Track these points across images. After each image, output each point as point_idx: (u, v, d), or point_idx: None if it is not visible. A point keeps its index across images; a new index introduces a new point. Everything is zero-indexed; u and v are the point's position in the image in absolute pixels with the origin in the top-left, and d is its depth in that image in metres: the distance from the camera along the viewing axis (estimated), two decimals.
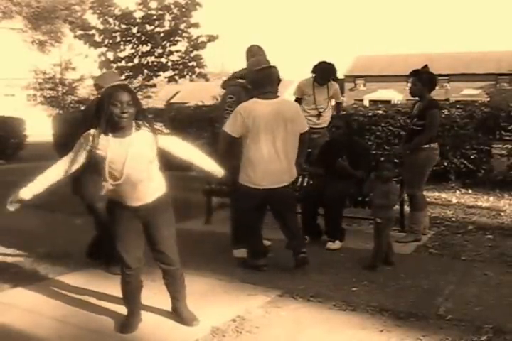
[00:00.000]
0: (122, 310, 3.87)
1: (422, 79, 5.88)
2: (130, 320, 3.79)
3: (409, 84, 6.08)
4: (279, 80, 5.14)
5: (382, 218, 5.07)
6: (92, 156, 3.46)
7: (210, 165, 3.79)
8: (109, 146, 3.39)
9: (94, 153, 3.43)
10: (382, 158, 6.34)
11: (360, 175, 5.79)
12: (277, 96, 5.04)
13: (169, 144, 3.59)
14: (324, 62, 7.25)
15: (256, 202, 4.99)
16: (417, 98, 6.01)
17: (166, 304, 4.12)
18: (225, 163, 4.14)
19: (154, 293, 4.13)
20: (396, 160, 6.23)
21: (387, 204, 5.09)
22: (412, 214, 6.07)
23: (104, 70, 15.78)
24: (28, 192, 3.59)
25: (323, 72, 7.22)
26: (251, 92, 5.31)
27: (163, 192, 3.70)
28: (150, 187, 3.59)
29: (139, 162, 3.44)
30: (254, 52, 5.98)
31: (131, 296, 3.81)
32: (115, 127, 3.40)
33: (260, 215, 5.17)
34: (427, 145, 5.78)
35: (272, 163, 4.89)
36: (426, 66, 6.08)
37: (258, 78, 5.02)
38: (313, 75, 7.28)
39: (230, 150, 4.98)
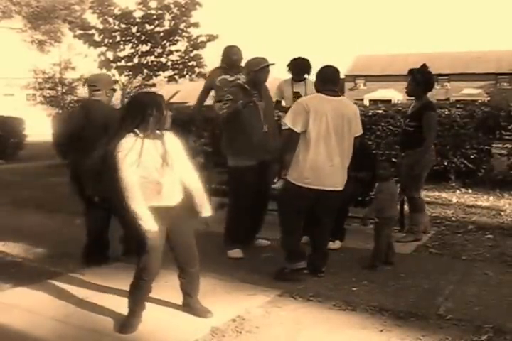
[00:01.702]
0: (122, 310, 3.87)
1: (416, 78, 5.80)
2: (131, 320, 3.79)
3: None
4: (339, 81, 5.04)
5: (382, 217, 5.07)
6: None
7: (201, 201, 3.88)
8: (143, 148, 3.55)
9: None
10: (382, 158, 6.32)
11: (364, 176, 5.75)
12: (339, 95, 4.80)
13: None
14: (299, 58, 6.92)
15: (304, 202, 4.70)
16: (413, 98, 5.99)
17: (166, 304, 4.14)
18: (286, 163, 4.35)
19: (154, 293, 4.14)
20: (394, 160, 6.19)
21: (386, 203, 5.09)
22: (411, 216, 6.05)
23: (104, 70, 15.78)
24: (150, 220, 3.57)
25: (297, 68, 6.89)
26: (249, 93, 5.30)
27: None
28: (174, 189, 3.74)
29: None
30: (229, 53, 6.10)
31: (138, 299, 3.84)
32: (155, 130, 3.62)
33: (303, 217, 4.85)
34: (422, 148, 5.70)
35: (328, 162, 4.60)
36: (424, 65, 5.95)
37: (322, 75, 4.82)
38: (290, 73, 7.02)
39: (291, 148, 4.69)
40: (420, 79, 5.78)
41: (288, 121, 4.60)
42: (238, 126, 5.32)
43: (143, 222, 3.50)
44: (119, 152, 3.49)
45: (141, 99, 3.74)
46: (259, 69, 5.32)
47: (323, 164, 4.57)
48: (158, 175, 3.59)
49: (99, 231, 5.22)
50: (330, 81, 4.78)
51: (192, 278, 3.97)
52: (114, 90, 5.48)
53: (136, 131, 3.56)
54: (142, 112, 3.57)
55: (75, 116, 5.03)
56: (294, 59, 6.91)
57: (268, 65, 5.36)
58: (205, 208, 3.87)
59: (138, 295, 3.81)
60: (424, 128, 5.65)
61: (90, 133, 4.79)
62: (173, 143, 3.71)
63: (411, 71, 5.91)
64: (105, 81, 5.29)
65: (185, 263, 3.92)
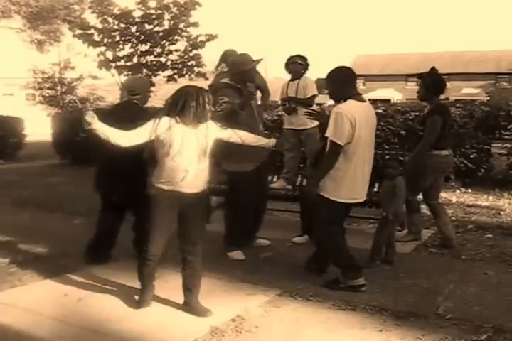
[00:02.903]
0: (122, 309, 3.87)
1: (425, 83, 5.72)
2: (145, 295, 4.13)
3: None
4: None
5: (389, 213, 5.09)
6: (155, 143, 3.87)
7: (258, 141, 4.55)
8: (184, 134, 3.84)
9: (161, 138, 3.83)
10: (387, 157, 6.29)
11: None
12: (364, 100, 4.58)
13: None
14: (296, 56, 6.68)
15: (341, 217, 4.59)
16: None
17: (166, 304, 4.13)
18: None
19: (154, 293, 4.15)
20: (401, 158, 6.13)
21: (393, 199, 5.12)
22: (408, 216, 6.02)
23: (104, 70, 15.79)
24: (99, 125, 3.81)
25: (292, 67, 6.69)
26: (243, 93, 5.27)
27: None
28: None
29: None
30: (228, 56, 6.00)
31: (148, 275, 4.13)
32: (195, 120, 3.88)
33: (343, 228, 4.68)
34: (429, 152, 5.59)
35: (361, 174, 4.45)
36: (433, 68, 5.83)
37: (347, 77, 4.53)
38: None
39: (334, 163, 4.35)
40: (430, 82, 5.70)
41: (331, 134, 4.28)
42: (235, 128, 5.23)
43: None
44: (157, 125, 3.81)
45: (184, 91, 3.93)
46: (249, 69, 5.29)
47: (360, 177, 4.44)
48: (188, 164, 3.83)
49: (109, 231, 5.24)
50: (354, 84, 4.59)
51: (195, 270, 4.04)
52: (151, 92, 5.51)
53: (177, 118, 3.84)
54: (183, 102, 3.84)
55: (113, 116, 5.04)
56: (294, 56, 6.70)
57: (257, 62, 5.35)
58: (263, 140, 4.50)
59: (145, 271, 4.10)
60: (425, 131, 5.59)
61: None
62: (214, 133, 4.01)
63: (420, 75, 5.82)
64: (143, 85, 5.31)
65: (188, 252, 4.02)
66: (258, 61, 5.41)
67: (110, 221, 5.21)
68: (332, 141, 4.27)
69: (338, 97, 4.52)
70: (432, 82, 5.72)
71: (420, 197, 5.99)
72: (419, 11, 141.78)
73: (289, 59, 6.68)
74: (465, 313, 3.96)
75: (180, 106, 3.84)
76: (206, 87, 5.08)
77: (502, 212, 7.45)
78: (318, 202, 4.44)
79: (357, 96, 4.45)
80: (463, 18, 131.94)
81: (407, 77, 52.66)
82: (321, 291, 4.42)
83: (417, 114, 9.59)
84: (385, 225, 5.14)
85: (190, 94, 3.86)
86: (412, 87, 51.52)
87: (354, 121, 4.22)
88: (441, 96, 5.97)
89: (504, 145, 9.71)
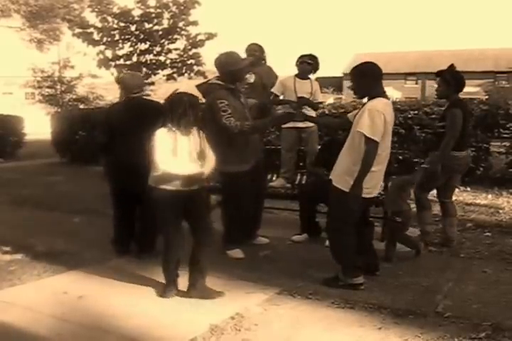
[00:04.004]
0: (121, 308, 3.87)
1: (446, 79, 5.55)
2: (169, 287, 4.32)
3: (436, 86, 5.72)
4: None
5: (393, 212, 5.23)
6: None
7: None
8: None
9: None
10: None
11: None
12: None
13: None
14: (309, 55, 6.70)
15: (359, 212, 4.52)
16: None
17: (166, 302, 4.14)
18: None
19: (153, 292, 4.16)
20: (400, 157, 6.05)
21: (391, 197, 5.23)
22: (419, 215, 5.89)
23: (103, 68, 15.78)
24: None
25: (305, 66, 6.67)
26: (236, 94, 5.27)
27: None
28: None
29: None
30: (252, 51, 5.98)
31: (172, 268, 4.35)
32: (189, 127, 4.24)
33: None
34: (438, 152, 5.44)
35: (383, 173, 4.50)
36: (452, 65, 5.68)
37: (376, 74, 4.46)
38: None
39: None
40: (451, 79, 5.54)
41: (368, 132, 4.19)
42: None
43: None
44: (154, 141, 4.09)
45: (178, 100, 4.19)
46: (240, 68, 5.29)
47: (381, 174, 4.48)
48: (186, 167, 4.12)
49: (126, 223, 5.49)
50: (381, 81, 4.50)
51: (204, 258, 4.30)
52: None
53: (171, 126, 4.15)
54: (177, 111, 4.13)
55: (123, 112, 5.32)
56: (304, 55, 6.67)
57: (248, 61, 5.37)
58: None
59: (170, 265, 4.33)
60: (446, 127, 5.42)
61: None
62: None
63: (440, 73, 5.65)
64: (142, 82, 5.73)
65: (200, 238, 4.30)
66: (247, 60, 5.43)
67: (125, 213, 5.47)
68: (370, 139, 4.19)
69: (365, 94, 4.50)
70: (453, 78, 5.56)
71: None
72: (418, 9, 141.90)
73: (298, 58, 6.67)
74: (464, 311, 3.97)
75: (177, 115, 4.14)
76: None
77: (500, 211, 7.46)
78: (338, 198, 4.41)
79: (385, 95, 4.44)
80: (462, 16, 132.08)
81: (406, 75, 52.74)
82: (320, 289, 4.43)
83: (416, 112, 9.60)
84: (388, 223, 5.23)
85: (184, 104, 4.16)
86: (411, 86, 51.79)
87: (385, 119, 4.23)
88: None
89: (503, 144, 9.70)
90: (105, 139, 5.46)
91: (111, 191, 5.47)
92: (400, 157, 5.82)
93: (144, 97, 5.35)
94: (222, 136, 5.02)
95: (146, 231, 5.33)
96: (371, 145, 4.20)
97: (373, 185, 4.39)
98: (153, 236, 5.20)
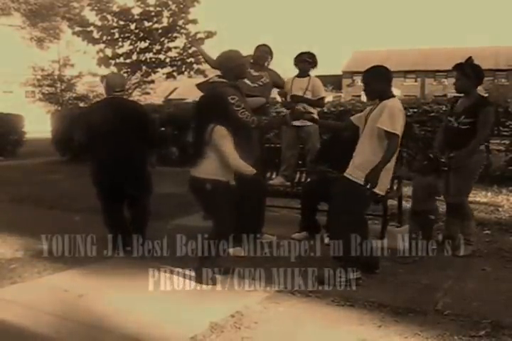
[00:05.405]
0: (122, 306, 3.88)
1: (466, 73, 5.34)
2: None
3: (454, 80, 5.49)
4: None
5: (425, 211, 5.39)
6: None
7: None
8: None
9: None
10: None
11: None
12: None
13: None
14: (306, 53, 6.72)
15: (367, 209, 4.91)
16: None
17: (166, 301, 4.14)
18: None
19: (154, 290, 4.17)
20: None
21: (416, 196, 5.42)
22: (464, 225, 5.49)
23: (103, 67, 15.79)
24: None
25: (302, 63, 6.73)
26: (240, 91, 5.28)
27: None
28: None
29: None
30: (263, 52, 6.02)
31: (214, 259, 4.62)
32: None
33: None
34: (468, 148, 5.22)
35: (392, 169, 4.67)
36: (470, 58, 5.47)
37: (388, 77, 4.70)
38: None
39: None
40: (471, 73, 5.35)
41: (390, 127, 4.38)
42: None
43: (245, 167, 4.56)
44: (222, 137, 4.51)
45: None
46: (242, 64, 5.31)
47: (392, 170, 4.66)
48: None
49: (119, 221, 5.54)
50: (391, 84, 4.75)
51: None
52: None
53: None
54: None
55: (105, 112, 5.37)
56: (303, 53, 6.71)
57: (247, 58, 5.38)
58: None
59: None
60: (479, 125, 5.19)
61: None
62: None
63: (459, 65, 5.44)
64: (124, 82, 5.88)
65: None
66: (247, 57, 5.44)
67: (115, 211, 5.51)
68: (393, 134, 4.39)
69: (378, 96, 4.66)
70: (473, 71, 5.37)
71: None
72: (416, 7, 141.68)
73: (297, 56, 6.68)
74: (463, 309, 3.97)
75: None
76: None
77: (500, 209, 7.47)
78: (349, 192, 4.53)
79: (393, 95, 4.69)
80: (461, 14, 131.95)
81: (405, 73, 52.71)
82: (319, 287, 4.43)
83: (415, 110, 9.60)
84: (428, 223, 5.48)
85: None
86: (411, 84, 51.75)
87: (403, 117, 4.48)
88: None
89: (502, 142, 9.71)
90: (85, 139, 5.48)
91: (96, 191, 5.48)
92: (431, 155, 5.64)
93: (125, 97, 5.46)
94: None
95: (138, 226, 5.46)
96: (393, 139, 4.41)
97: (383, 183, 4.52)
98: (144, 227, 5.46)
